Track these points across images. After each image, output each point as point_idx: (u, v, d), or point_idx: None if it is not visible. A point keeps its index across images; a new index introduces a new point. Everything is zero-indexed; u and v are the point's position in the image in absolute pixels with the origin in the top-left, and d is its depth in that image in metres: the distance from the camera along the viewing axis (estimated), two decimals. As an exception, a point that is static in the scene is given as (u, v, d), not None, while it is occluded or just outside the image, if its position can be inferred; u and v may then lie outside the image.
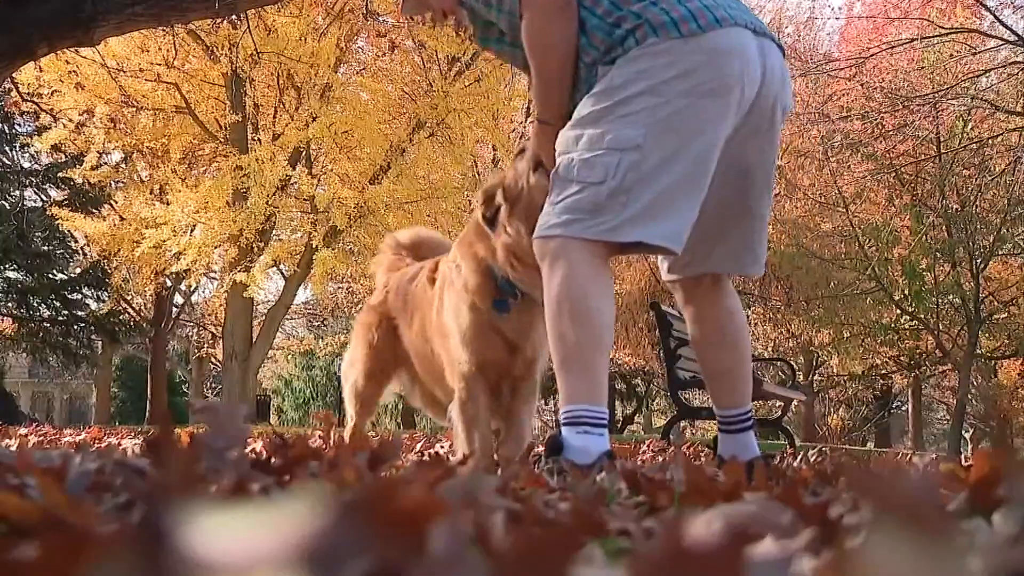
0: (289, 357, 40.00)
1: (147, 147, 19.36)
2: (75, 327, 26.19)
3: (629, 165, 2.64)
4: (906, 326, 22.60)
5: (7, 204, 24.22)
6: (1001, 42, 18.17)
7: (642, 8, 2.72)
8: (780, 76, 2.88)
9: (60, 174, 21.68)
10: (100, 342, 27.96)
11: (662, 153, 2.66)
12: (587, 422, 2.61)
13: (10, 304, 26.00)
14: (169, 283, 24.01)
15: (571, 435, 2.60)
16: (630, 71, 2.71)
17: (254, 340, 19.43)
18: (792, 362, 19.79)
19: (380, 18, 16.56)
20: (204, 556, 0.53)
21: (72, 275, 25.89)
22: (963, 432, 23.53)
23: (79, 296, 26.66)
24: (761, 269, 3.15)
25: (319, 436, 4.09)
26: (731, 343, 3.11)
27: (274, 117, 18.63)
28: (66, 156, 20.73)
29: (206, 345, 33.79)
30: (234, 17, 13.11)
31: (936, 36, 18.32)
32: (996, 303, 22.03)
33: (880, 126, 19.89)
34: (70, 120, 16.98)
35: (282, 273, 22.13)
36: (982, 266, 20.52)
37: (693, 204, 2.71)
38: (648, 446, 5.35)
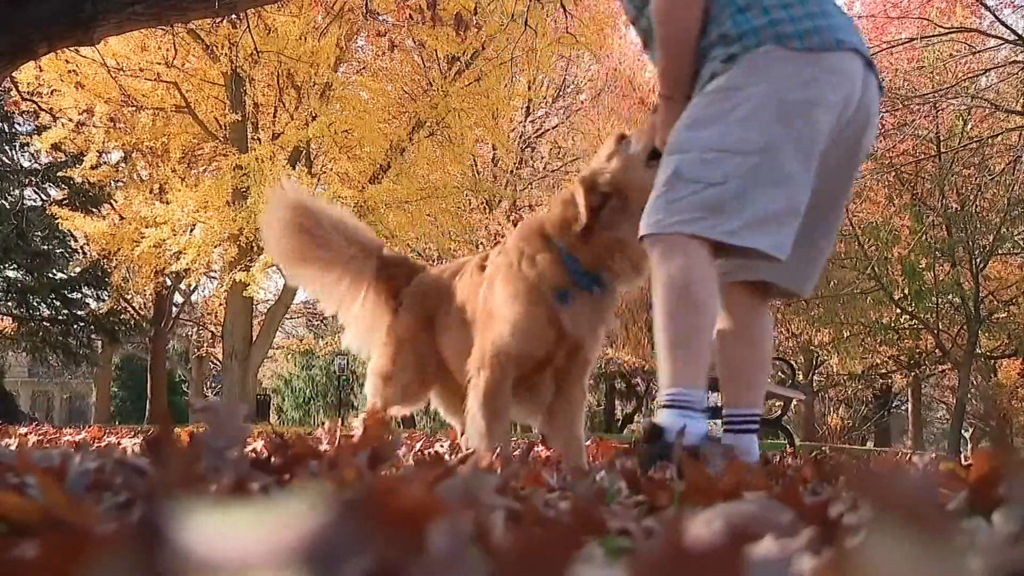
0: (289, 356, 40.01)
1: (147, 146, 19.39)
2: (75, 326, 26.20)
3: (749, 169, 2.67)
4: (906, 325, 22.60)
5: (7, 203, 24.22)
6: (1001, 41, 18.15)
7: (772, 6, 2.76)
8: (873, 112, 2.92)
9: (60, 173, 21.69)
10: (100, 341, 27.97)
11: (780, 161, 2.69)
12: (687, 405, 2.65)
13: (10, 303, 26.01)
14: (169, 282, 24.03)
15: (671, 418, 2.63)
16: (750, 74, 2.74)
17: (254, 339, 19.43)
18: (792, 361, 19.78)
19: (380, 17, 16.54)
20: (204, 555, 0.53)
21: (72, 274, 25.90)
22: (963, 431, 23.54)
23: (79, 295, 26.68)
24: (809, 292, 3.18)
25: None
26: (756, 341, 3.10)
27: (274, 116, 18.64)
28: (66, 155, 20.75)
29: (206, 344, 33.81)
30: (234, 16, 13.10)
31: (936, 35, 18.30)
32: (996, 302, 22.01)
33: (880, 125, 19.87)
34: (70, 119, 16.99)
35: (282, 272, 22.12)
36: (982, 265, 20.50)
37: (799, 215, 2.74)
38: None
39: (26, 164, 25.07)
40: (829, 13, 2.81)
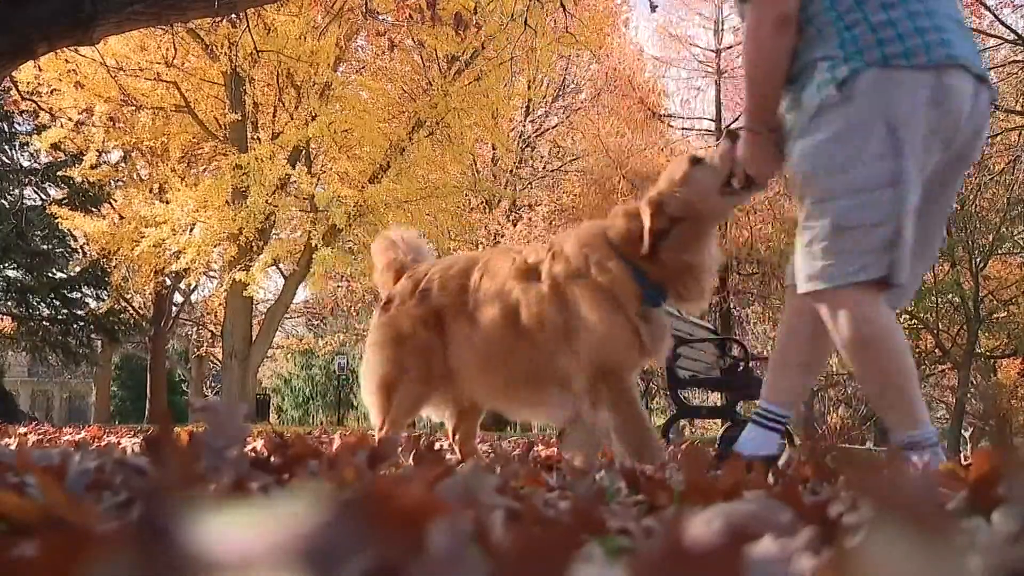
0: (289, 356, 40.03)
1: (146, 146, 19.39)
2: (74, 326, 26.18)
3: (896, 201, 2.70)
4: (905, 325, 22.54)
5: (6, 203, 24.21)
6: (1000, 41, 18.15)
7: (879, 24, 2.75)
8: (982, 125, 2.92)
9: (59, 173, 21.67)
10: (99, 341, 27.95)
11: (911, 185, 2.71)
12: (922, 445, 2.77)
13: (10, 303, 25.99)
14: (168, 282, 24.01)
15: (914, 457, 2.73)
16: (867, 105, 2.73)
17: (254, 339, 19.43)
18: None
19: (379, 17, 16.54)
20: (203, 554, 0.53)
21: (71, 274, 25.87)
22: (962, 431, 23.53)
23: (78, 295, 26.65)
24: (903, 305, 3.21)
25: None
26: (815, 346, 3.09)
27: (273, 116, 18.64)
28: (65, 155, 20.75)
29: (205, 344, 33.79)
30: (233, 16, 13.10)
31: (936, 35, 18.29)
32: (995, 302, 21.98)
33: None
34: (69, 119, 16.99)
35: (281, 272, 22.15)
36: (981, 265, 20.49)
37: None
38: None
39: (26, 163, 25.07)
40: (942, 27, 2.78)
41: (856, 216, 2.74)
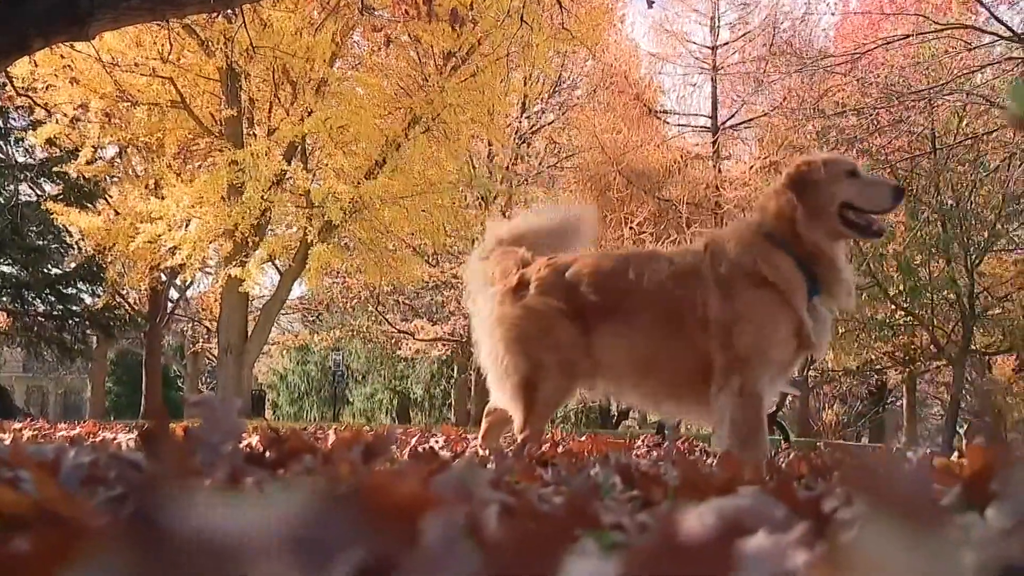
0: (284, 352, 39.96)
1: (142, 142, 19.35)
2: (70, 322, 26.14)
3: None
4: (901, 321, 22.59)
5: (2, 199, 24.15)
6: (996, 38, 18.17)
7: None
8: None
9: (55, 168, 21.62)
10: (95, 337, 27.91)
11: None
12: None
13: (5, 298, 25.94)
14: (164, 278, 23.98)
15: None
16: None
17: (249, 335, 19.40)
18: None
19: (376, 13, 16.53)
20: (197, 547, 0.53)
21: (67, 270, 25.83)
22: (957, 427, 23.56)
23: (74, 291, 26.61)
24: None
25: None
26: None
27: (269, 112, 18.60)
28: (61, 150, 20.68)
29: (201, 340, 33.74)
30: (229, 11, 13.08)
31: (931, 32, 18.33)
32: (991, 299, 22.00)
33: (875, 122, 19.87)
34: (65, 115, 16.97)
35: (277, 268, 22.12)
36: (977, 262, 20.50)
37: None
38: (643, 441, 5.35)
39: (21, 159, 25.00)
40: None
41: None
